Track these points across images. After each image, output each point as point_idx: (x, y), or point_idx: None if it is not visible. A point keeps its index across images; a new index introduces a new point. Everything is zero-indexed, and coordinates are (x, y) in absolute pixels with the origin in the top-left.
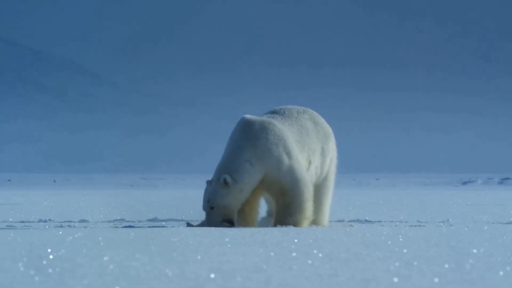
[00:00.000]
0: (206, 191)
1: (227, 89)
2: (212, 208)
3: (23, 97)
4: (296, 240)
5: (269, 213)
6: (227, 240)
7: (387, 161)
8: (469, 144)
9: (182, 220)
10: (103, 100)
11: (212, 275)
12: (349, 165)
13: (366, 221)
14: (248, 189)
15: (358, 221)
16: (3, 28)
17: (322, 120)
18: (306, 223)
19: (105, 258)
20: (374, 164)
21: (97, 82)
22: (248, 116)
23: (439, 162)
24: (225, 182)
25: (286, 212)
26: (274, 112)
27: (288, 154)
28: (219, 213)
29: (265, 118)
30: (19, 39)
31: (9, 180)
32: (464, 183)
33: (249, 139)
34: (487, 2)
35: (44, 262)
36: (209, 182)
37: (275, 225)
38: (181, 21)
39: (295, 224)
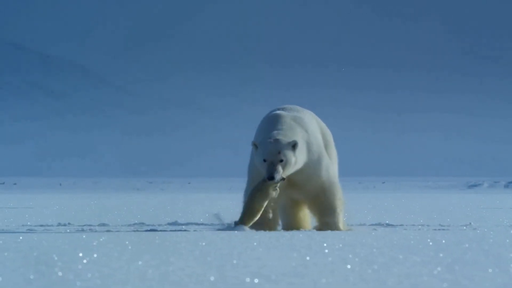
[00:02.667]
0: (272, 144)
1: (227, 89)
2: (281, 160)
3: (26, 98)
4: (325, 244)
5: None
6: (255, 244)
7: (391, 164)
8: (474, 147)
9: (202, 224)
10: (106, 102)
11: (256, 280)
12: (353, 168)
13: (388, 224)
14: (299, 166)
15: (379, 224)
16: (7, 31)
17: (322, 121)
18: (344, 225)
19: (140, 263)
20: (378, 168)
21: (100, 84)
22: (276, 111)
23: (444, 166)
24: (293, 147)
25: (330, 213)
26: (281, 110)
27: (324, 150)
28: (283, 168)
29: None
30: (23, 42)
31: (15, 184)
32: (470, 186)
33: (292, 129)
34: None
35: (80, 267)
36: (262, 142)
37: (319, 228)
38: (181, 21)
39: (338, 227)
